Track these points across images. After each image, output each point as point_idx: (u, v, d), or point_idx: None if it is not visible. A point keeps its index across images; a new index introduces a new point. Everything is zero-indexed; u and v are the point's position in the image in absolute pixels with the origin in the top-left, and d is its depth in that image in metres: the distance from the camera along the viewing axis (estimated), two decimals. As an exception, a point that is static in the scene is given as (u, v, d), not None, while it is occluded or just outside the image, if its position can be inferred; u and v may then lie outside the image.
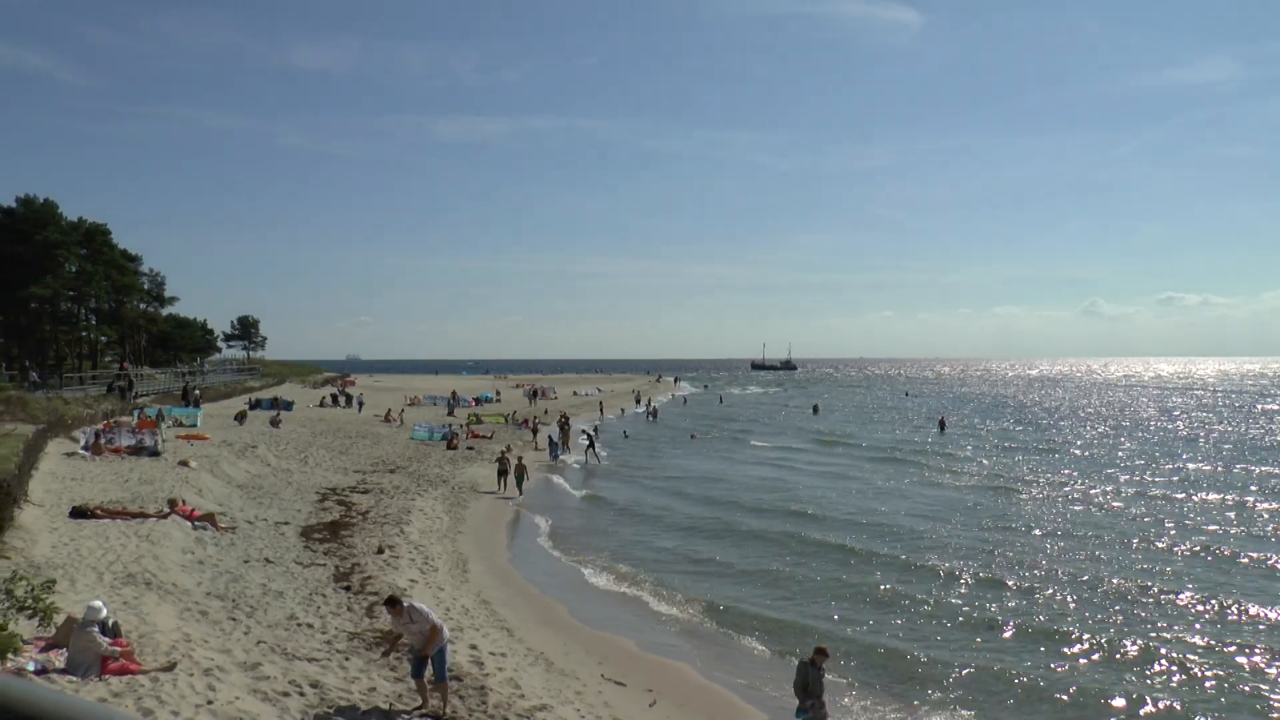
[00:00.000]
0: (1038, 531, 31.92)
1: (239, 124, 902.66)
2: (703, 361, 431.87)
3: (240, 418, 53.15)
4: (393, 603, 14.03)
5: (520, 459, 39.31)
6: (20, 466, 24.00)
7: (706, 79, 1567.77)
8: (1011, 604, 22.97)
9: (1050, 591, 24.02)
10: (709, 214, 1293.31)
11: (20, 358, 72.53)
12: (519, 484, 37.24)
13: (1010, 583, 24.79)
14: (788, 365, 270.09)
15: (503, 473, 38.01)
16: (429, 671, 13.46)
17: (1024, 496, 39.85)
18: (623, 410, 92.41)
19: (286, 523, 27.14)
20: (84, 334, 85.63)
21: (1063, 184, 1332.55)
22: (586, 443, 53.13)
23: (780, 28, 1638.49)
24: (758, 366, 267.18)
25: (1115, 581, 24.83)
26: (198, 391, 62.97)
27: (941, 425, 75.81)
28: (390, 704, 13.28)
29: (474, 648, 16.87)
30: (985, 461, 52.82)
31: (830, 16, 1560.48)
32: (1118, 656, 19.22)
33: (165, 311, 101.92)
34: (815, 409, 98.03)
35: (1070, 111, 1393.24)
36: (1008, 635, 20.58)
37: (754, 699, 16.76)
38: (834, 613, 22.35)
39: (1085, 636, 20.21)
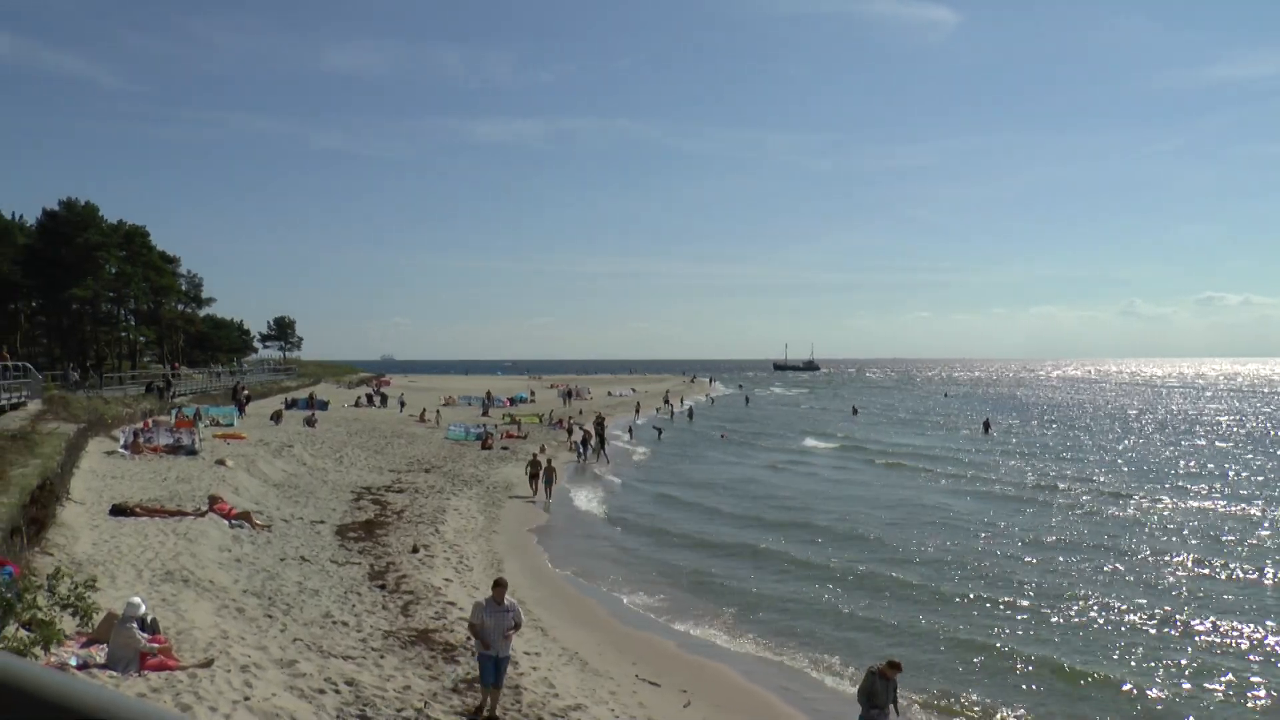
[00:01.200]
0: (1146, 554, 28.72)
1: (276, 127, 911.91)
2: (724, 362, 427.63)
3: (276, 417, 53.55)
4: (501, 583, 14.05)
5: (550, 461, 38.70)
6: (62, 465, 24.31)
7: (741, 79, 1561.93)
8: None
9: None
10: (742, 214, 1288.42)
11: (63, 358, 73.48)
12: (548, 487, 36.52)
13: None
14: (810, 366, 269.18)
15: (534, 476, 37.34)
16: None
17: (1110, 515, 36.01)
18: (657, 409, 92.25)
19: (322, 521, 27.30)
20: (123, 334, 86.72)
21: (1100, 182, 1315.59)
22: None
23: (814, 27, 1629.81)
24: (780, 367, 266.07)
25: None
26: (246, 392, 63.55)
27: (986, 427, 75.09)
28: (425, 701, 13.29)
29: (509, 647, 16.87)
30: (1035, 469, 50.48)
31: (864, 16, 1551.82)
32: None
33: (203, 312, 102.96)
34: (854, 410, 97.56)
35: (1108, 109, 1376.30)
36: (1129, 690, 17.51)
37: (795, 701, 16.62)
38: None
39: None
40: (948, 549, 29.48)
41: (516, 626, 13.83)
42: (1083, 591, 24.26)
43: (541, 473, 36.81)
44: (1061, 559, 28.27)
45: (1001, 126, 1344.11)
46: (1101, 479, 46.21)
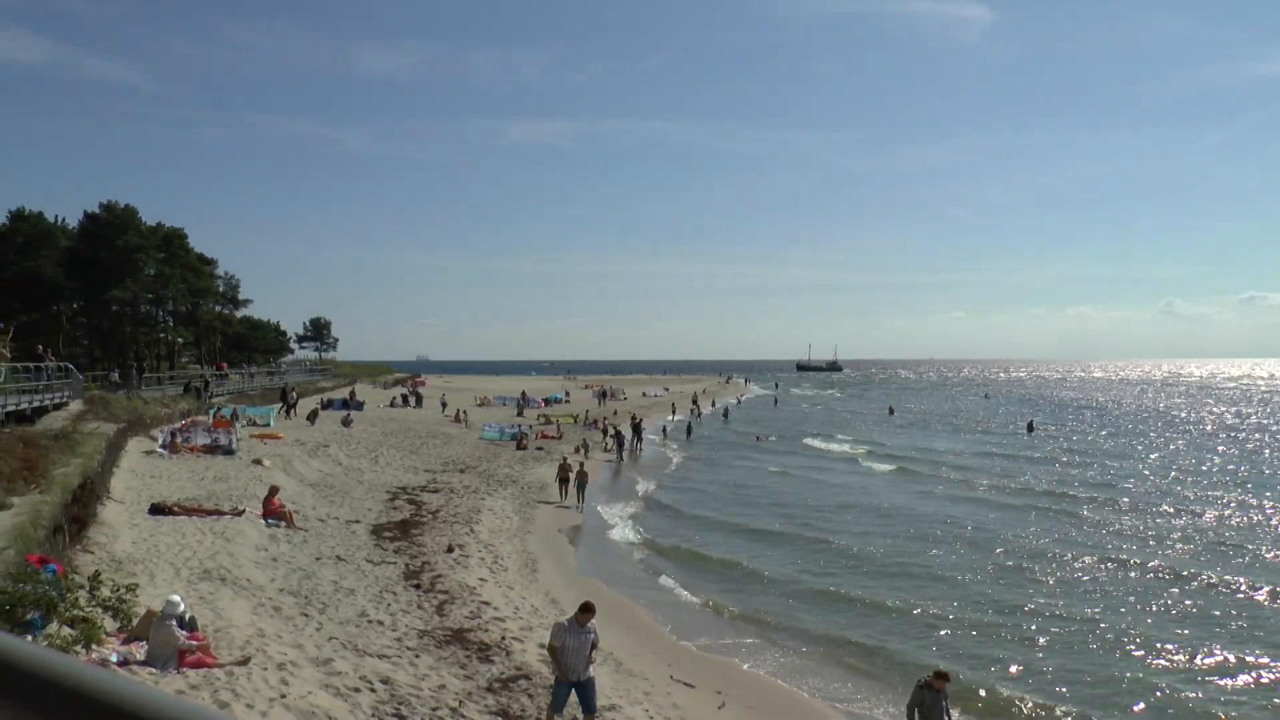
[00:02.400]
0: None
1: (310, 129, 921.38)
2: (749, 363, 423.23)
3: (312, 417, 53.94)
4: (588, 608, 13.38)
5: (582, 464, 37.76)
6: (103, 464, 24.59)
7: (773, 79, 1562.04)
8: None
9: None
10: (775, 214, 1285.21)
11: (103, 359, 74.43)
12: (580, 492, 35.50)
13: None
14: (833, 366, 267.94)
15: (564, 480, 36.30)
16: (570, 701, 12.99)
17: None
18: (690, 410, 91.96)
19: (357, 521, 27.45)
20: (162, 335, 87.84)
21: (1137, 181, 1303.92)
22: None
23: (847, 26, 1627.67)
24: (803, 367, 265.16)
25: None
26: (296, 394, 64.13)
27: (1030, 428, 74.26)
28: (459, 701, 13.29)
29: (543, 646, 16.84)
30: (1088, 473, 48.36)
31: (898, 14, 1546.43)
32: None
33: (240, 313, 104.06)
34: (890, 411, 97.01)
35: (1144, 107, 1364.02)
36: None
37: (832, 704, 16.50)
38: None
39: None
40: (1013, 560, 27.88)
41: (595, 647, 13.28)
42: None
43: (573, 476, 36.07)
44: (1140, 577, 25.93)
45: (1037, 124, 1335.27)
46: (1162, 484, 43.81)
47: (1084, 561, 27.67)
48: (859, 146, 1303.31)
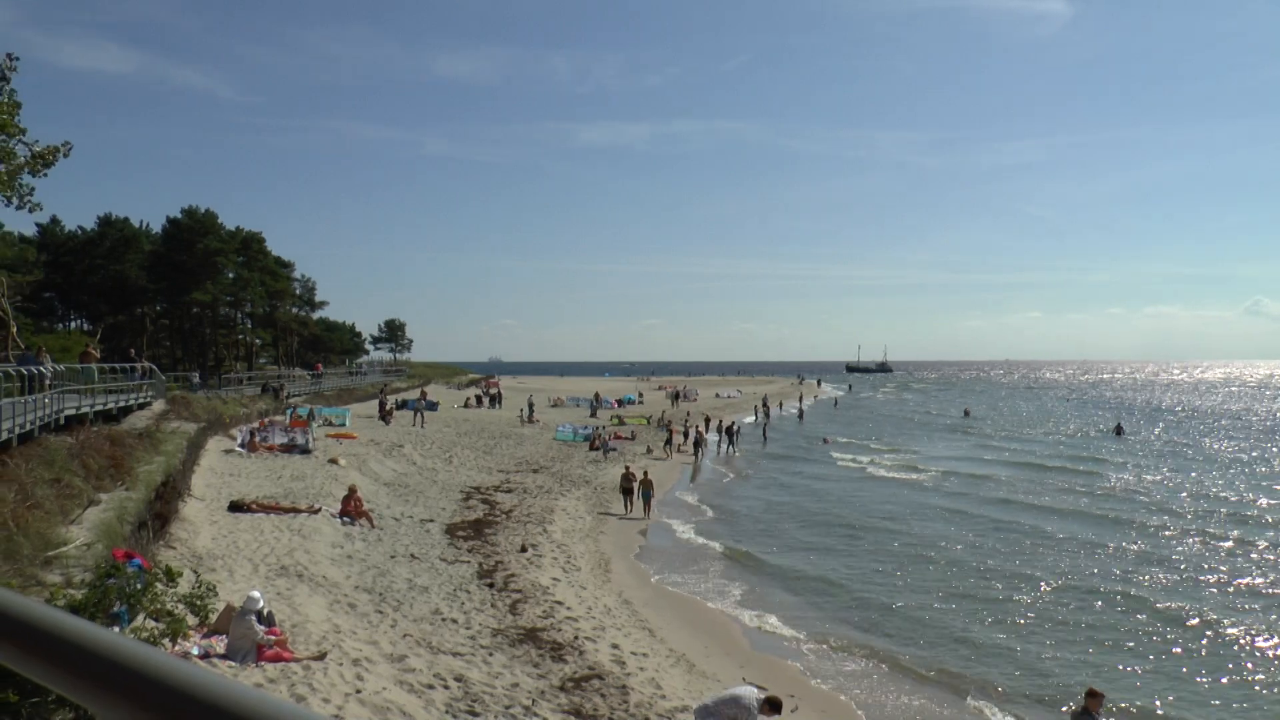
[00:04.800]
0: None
1: (386, 134, 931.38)
2: (808, 364, 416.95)
3: (386, 417, 54.57)
4: (775, 707, 12.40)
5: (646, 473, 35.08)
6: (184, 462, 25.17)
7: (848, 77, 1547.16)
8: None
9: None
10: (848, 214, 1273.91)
11: (184, 359, 76.35)
12: (646, 503, 33.44)
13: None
14: (883, 368, 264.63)
15: (627, 491, 33.96)
16: None
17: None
18: (756, 409, 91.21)
19: (431, 520, 27.71)
20: (240, 336, 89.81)
21: (1223, 176, 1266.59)
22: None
23: (922, 23, 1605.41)
24: (852, 369, 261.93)
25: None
26: (398, 398, 64.86)
27: (1118, 431, 72.47)
28: (533, 699, 13.31)
29: (615, 647, 16.85)
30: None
31: (974, 9, 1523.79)
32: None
33: (316, 315, 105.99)
34: (966, 412, 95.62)
35: (1230, 100, 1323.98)
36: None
37: (907, 712, 16.24)
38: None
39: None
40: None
41: None
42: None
43: (636, 486, 33.86)
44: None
45: (1116, 120, 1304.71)
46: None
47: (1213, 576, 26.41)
48: (936, 145, 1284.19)
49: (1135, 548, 29.64)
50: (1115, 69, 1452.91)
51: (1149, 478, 46.79)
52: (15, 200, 19.70)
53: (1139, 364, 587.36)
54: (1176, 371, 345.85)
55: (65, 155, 19.55)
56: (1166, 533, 32.15)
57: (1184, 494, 41.09)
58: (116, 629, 10.76)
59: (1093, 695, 12.95)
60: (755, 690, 12.79)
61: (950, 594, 23.70)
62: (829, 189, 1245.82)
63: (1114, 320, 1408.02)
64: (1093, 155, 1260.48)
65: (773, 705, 12.30)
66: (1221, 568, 26.92)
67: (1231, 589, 24.50)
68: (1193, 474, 48.12)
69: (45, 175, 19.65)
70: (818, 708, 15.78)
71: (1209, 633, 20.58)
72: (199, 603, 13.36)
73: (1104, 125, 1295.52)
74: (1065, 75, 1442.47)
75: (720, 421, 64.06)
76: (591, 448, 50.21)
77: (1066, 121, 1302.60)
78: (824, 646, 19.43)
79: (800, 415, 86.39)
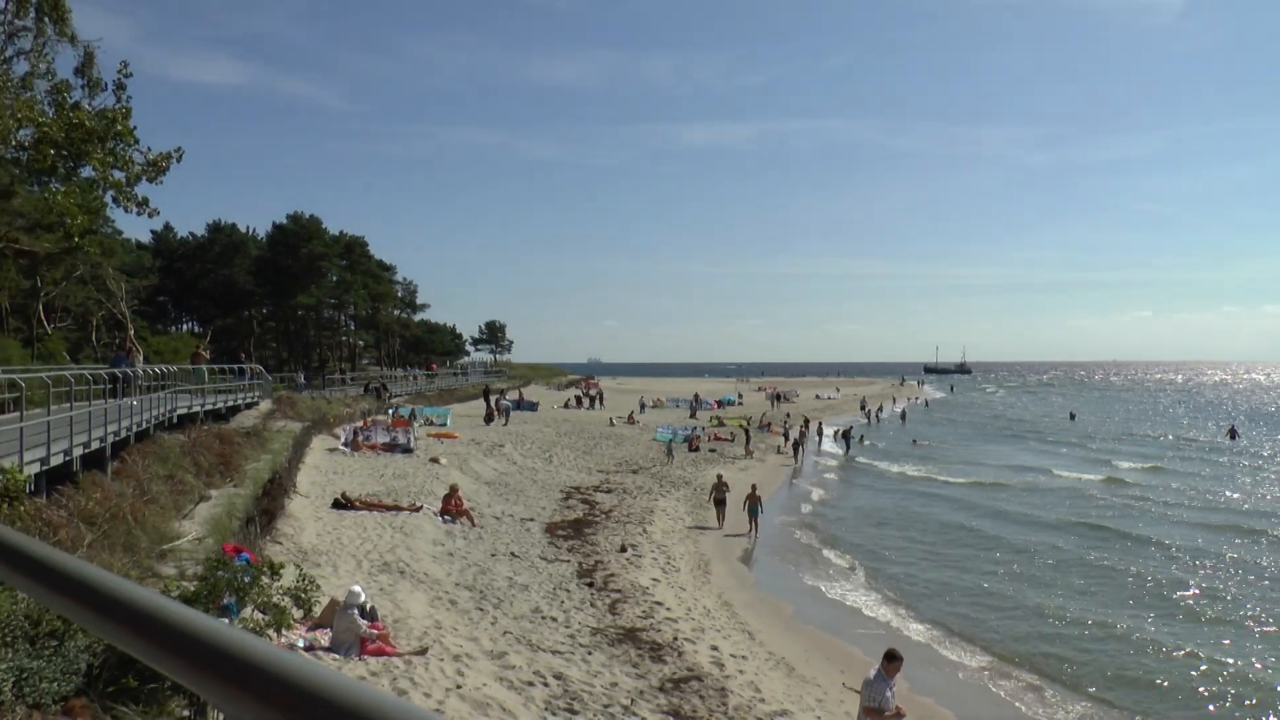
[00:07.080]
0: None
1: (488, 138, 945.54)
2: (887, 365, 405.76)
3: (488, 418, 55.14)
4: (892, 657, 12.07)
5: (755, 487, 31.17)
6: (290, 460, 25.80)
7: (954, 73, 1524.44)
8: None
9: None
10: (955, 212, 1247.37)
11: (289, 360, 78.44)
12: (754, 518, 29.71)
13: None
14: (962, 369, 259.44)
15: (720, 502, 30.59)
16: None
17: None
18: (860, 409, 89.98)
19: (531, 519, 27.86)
20: (344, 338, 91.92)
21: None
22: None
23: (1028, 16, 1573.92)
24: (930, 370, 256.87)
25: None
26: (514, 396, 65.61)
27: (1232, 434, 69.83)
28: (631, 699, 13.21)
29: (715, 649, 16.67)
30: None
31: (1081, 2, 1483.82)
32: None
33: (417, 317, 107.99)
34: (1072, 416, 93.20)
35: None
36: None
37: None
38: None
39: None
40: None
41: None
42: None
43: (729, 496, 30.81)
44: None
45: (1233, 112, 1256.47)
46: None
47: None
48: (1045, 141, 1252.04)
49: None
50: (1232, 59, 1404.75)
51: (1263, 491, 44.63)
52: (134, 208, 20.33)
53: (1254, 364, 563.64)
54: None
55: (178, 160, 20.09)
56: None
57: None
58: (226, 620, 10.98)
59: (891, 659, 12.01)
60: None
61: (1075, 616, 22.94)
62: (932, 188, 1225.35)
63: (1230, 319, 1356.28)
64: (1207, 149, 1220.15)
65: (889, 657, 12.04)
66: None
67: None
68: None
69: (161, 182, 20.25)
70: (922, 715, 15.36)
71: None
72: (302, 596, 13.59)
73: (1219, 117, 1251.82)
74: (1179, 66, 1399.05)
75: (820, 424, 63.30)
76: (691, 448, 49.97)
77: (1179, 114, 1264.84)
78: (930, 655, 18.96)
79: (903, 417, 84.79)
